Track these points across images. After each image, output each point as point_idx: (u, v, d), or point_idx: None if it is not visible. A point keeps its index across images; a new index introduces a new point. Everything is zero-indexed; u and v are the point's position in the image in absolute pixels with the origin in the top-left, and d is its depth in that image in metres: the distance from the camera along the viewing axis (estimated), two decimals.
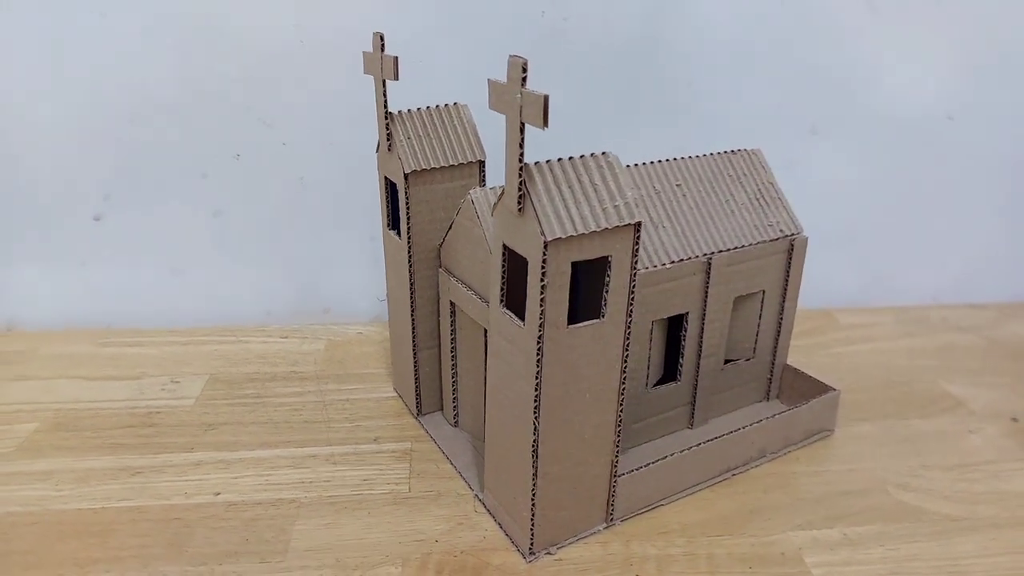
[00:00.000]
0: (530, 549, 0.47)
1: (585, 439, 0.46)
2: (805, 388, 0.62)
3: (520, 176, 0.39)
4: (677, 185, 0.56)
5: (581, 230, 0.39)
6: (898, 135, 0.78)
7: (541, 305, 0.40)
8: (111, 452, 0.57)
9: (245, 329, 0.76)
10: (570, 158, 0.41)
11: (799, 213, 0.76)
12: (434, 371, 0.60)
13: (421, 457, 0.57)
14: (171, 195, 0.72)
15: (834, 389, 0.60)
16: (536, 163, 0.40)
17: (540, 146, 0.75)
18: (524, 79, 0.37)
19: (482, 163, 0.55)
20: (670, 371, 0.58)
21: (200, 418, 0.61)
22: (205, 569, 0.46)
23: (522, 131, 0.38)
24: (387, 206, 0.57)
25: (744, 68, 0.74)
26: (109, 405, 0.63)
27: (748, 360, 0.62)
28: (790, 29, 0.72)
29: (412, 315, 0.57)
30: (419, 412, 0.61)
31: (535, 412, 0.42)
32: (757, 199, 0.58)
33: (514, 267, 0.43)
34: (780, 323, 0.61)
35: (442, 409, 0.61)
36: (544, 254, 0.39)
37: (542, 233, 0.38)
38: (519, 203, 0.39)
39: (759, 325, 0.60)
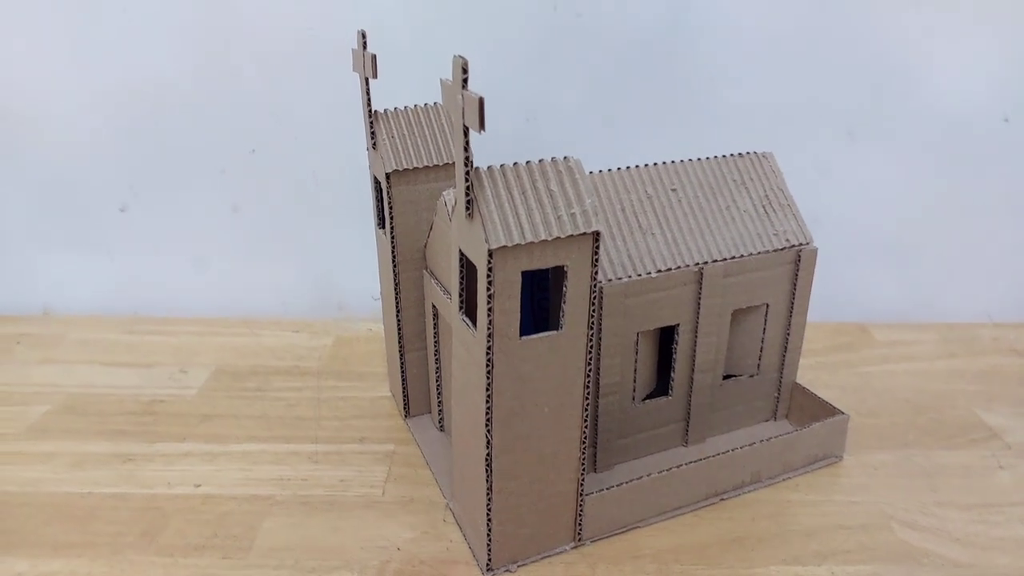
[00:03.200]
0: (488, 565, 0.45)
1: (545, 455, 0.44)
2: (814, 409, 0.58)
3: (467, 180, 0.37)
4: (672, 189, 0.53)
5: (530, 238, 0.37)
6: (946, 138, 0.72)
7: (489, 315, 0.38)
8: (110, 438, 0.59)
9: (260, 321, 0.78)
10: (527, 162, 0.39)
11: (834, 220, 0.71)
12: (423, 372, 0.60)
13: (401, 461, 0.56)
14: (192, 189, 0.74)
15: (842, 413, 0.55)
16: (489, 167, 0.38)
17: (550, 144, 0.73)
18: (465, 80, 0.35)
19: None
20: (662, 384, 0.56)
21: (198, 409, 0.63)
22: (170, 561, 0.47)
23: (466, 133, 0.36)
24: (376, 204, 0.57)
25: (773, 65, 0.69)
26: (117, 391, 0.65)
27: (752, 376, 0.58)
28: (824, 22, 0.68)
29: (398, 316, 0.57)
30: (407, 414, 0.61)
31: (487, 425, 0.41)
32: (763, 206, 0.55)
33: (473, 273, 0.41)
34: (787, 338, 0.57)
35: (431, 411, 0.61)
36: (490, 262, 0.37)
37: (486, 240, 0.37)
38: (467, 208, 0.38)
39: (763, 340, 0.57)
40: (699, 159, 0.55)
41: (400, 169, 0.51)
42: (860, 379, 0.68)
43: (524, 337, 0.40)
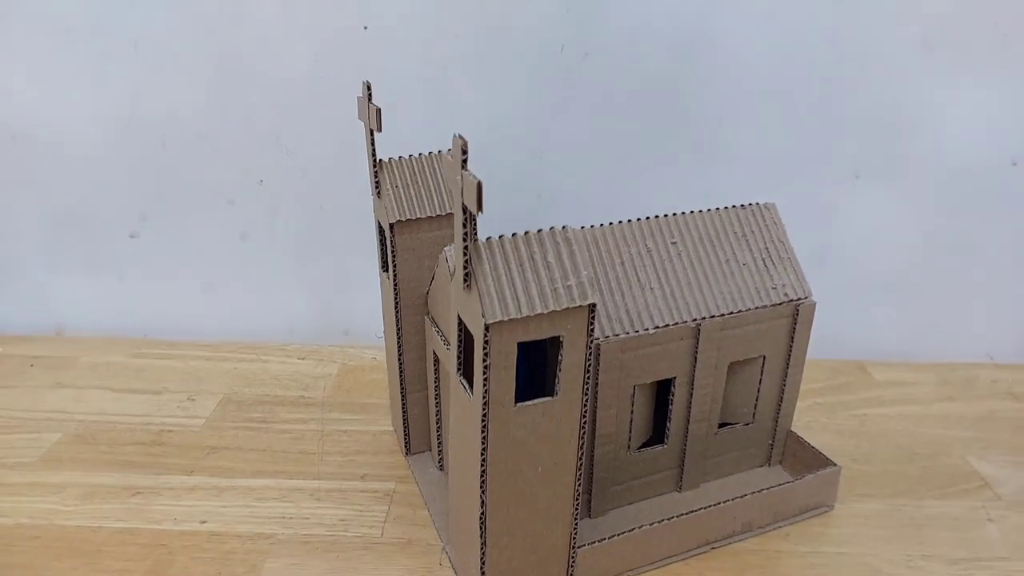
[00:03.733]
0: None
1: (538, 511, 0.45)
2: (808, 458, 0.59)
3: (465, 254, 0.38)
4: (673, 243, 0.54)
5: (527, 312, 0.38)
6: (952, 180, 0.72)
7: (485, 384, 0.39)
8: (119, 469, 0.60)
9: (267, 347, 0.79)
10: (526, 233, 0.40)
11: (837, 259, 0.72)
12: (424, 412, 0.61)
13: (401, 500, 0.58)
14: (201, 218, 0.76)
15: (834, 464, 0.56)
16: (488, 239, 0.39)
17: (555, 180, 0.74)
18: (465, 160, 0.36)
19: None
20: (657, 433, 0.57)
21: (206, 440, 0.64)
22: None
23: (465, 211, 0.37)
24: (380, 248, 0.58)
25: (781, 107, 0.70)
26: (127, 420, 0.67)
27: (747, 425, 0.59)
28: (833, 65, 0.68)
29: (400, 360, 0.58)
30: (408, 451, 0.62)
31: (482, 487, 0.42)
32: (763, 259, 0.56)
33: (471, 336, 0.42)
34: (783, 389, 0.58)
35: (430, 449, 0.62)
36: (486, 335, 0.38)
37: (483, 315, 0.38)
38: (465, 280, 0.39)
39: (759, 390, 0.58)
40: (701, 211, 0.55)
41: (403, 220, 0.53)
42: (856, 422, 0.69)
43: (519, 404, 0.41)
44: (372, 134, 0.52)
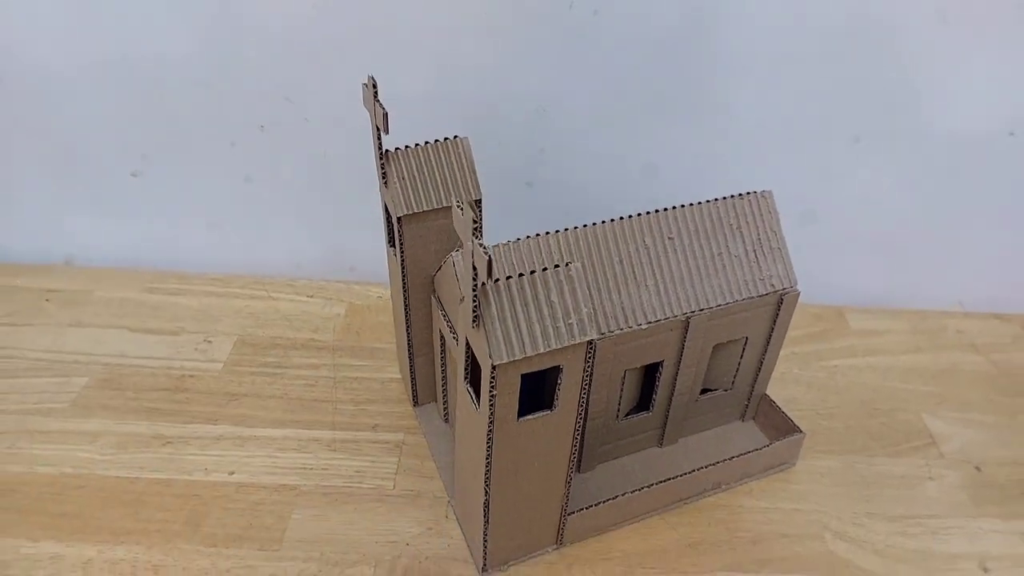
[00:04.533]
0: (483, 567, 0.54)
1: (534, 495, 0.51)
2: (777, 419, 0.65)
3: (475, 300, 0.41)
4: (670, 238, 0.56)
5: (531, 352, 0.42)
6: (949, 148, 0.73)
7: (491, 406, 0.44)
8: (147, 417, 0.66)
9: (276, 283, 0.82)
10: (532, 272, 0.42)
11: (829, 213, 0.75)
12: (430, 370, 0.65)
13: (410, 452, 0.64)
14: (203, 160, 0.76)
15: (800, 431, 0.62)
16: (496, 281, 0.42)
17: (559, 135, 0.74)
18: (476, 229, 0.38)
19: (478, 201, 0.56)
20: (643, 401, 0.62)
21: (226, 386, 0.69)
22: (214, 551, 0.55)
23: (475, 267, 0.39)
24: (387, 225, 0.59)
25: (788, 71, 0.68)
26: (149, 364, 0.71)
27: (726, 391, 0.64)
28: (845, 32, 0.66)
29: (408, 330, 0.62)
30: (416, 403, 0.67)
31: (486, 480, 0.48)
32: (754, 250, 0.58)
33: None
34: (762, 362, 0.63)
35: (436, 400, 0.68)
36: (493, 371, 0.42)
37: (490, 356, 0.41)
38: (474, 321, 0.42)
39: (739, 364, 0.62)
40: (699, 203, 0.57)
41: (410, 213, 0.54)
42: (826, 374, 0.74)
43: (521, 419, 0.45)
44: (379, 130, 0.52)
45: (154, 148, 0.75)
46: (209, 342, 0.74)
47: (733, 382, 0.64)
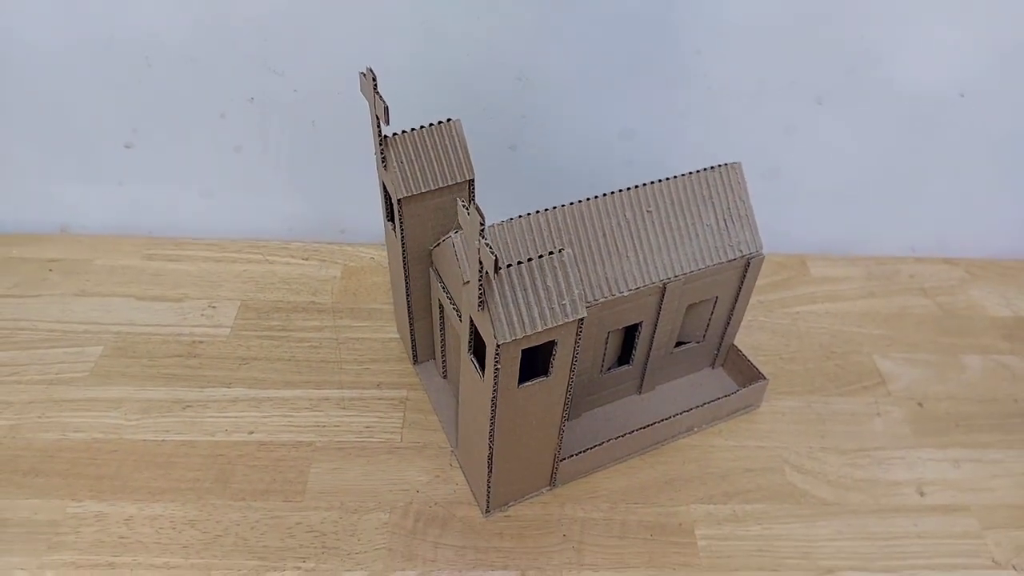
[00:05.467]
0: (487, 508, 0.61)
1: (531, 447, 0.58)
2: (744, 367, 0.72)
3: (480, 288, 0.46)
4: (648, 211, 0.61)
5: (530, 331, 0.47)
6: (904, 108, 0.78)
7: (495, 377, 0.49)
8: (165, 383, 0.70)
9: (270, 246, 0.86)
10: (529, 260, 0.47)
11: (792, 170, 0.81)
12: (428, 332, 0.71)
13: (414, 407, 0.70)
14: (193, 131, 0.78)
15: (764, 378, 0.70)
16: (497, 270, 0.46)
17: (538, 101, 0.77)
18: (483, 231, 0.42)
19: (471, 181, 0.60)
20: (624, 356, 0.68)
21: (235, 351, 0.74)
22: (244, 504, 0.61)
23: (481, 271, 0.44)
24: (385, 203, 0.63)
25: (755, 39, 0.72)
26: (158, 330, 0.75)
27: (698, 343, 0.71)
28: (806, 2, 0.69)
29: (408, 298, 0.66)
30: (415, 360, 0.73)
31: (490, 437, 0.54)
32: (724, 219, 0.63)
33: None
34: (730, 317, 0.69)
35: (435, 358, 0.73)
36: (497, 350, 0.47)
37: (495, 336, 0.47)
38: (479, 305, 0.47)
39: (710, 319, 0.69)
40: (674, 177, 0.61)
41: (410, 195, 0.58)
42: (789, 321, 0.81)
43: (521, 385, 0.51)
44: (378, 120, 0.55)
45: (145, 122, 0.77)
46: (214, 307, 0.78)
47: (704, 335, 0.70)
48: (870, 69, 0.74)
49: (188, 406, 0.69)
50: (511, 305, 0.47)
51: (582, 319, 0.49)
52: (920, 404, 0.73)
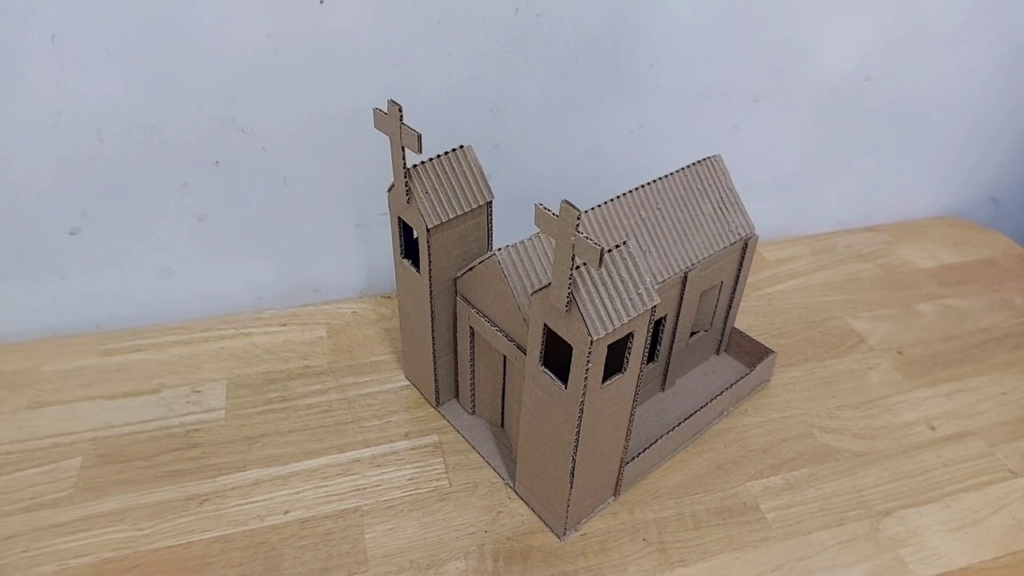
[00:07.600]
0: (564, 531, 0.59)
1: (605, 452, 0.57)
2: (748, 345, 0.76)
3: (568, 289, 0.46)
4: (658, 208, 0.63)
5: (617, 324, 0.47)
6: (825, 97, 0.87)
7: (585, 378, 0.49)
8: (170, 481, 0.63)
9: (241, 319, 0.80)
10: (602, 254, 0.48)
11: (740, 164, 0.87)
12: (450, 370, 0.68)
13: (450, 449, 0.67)
14: (152, 205, 0.71)
15: (772, 351, 0.74)
16: (577, 269, 0.47)
17: (511, 131, 0.78)
18: (579, 224, 0.43)
19: (489, 203, 0.60)
20: (649, 353, 0.70)
21: (239, 432, 0.67)
22: None
23: (573, 259, 0.44)
24: (400, 239, 0.61)
25: (700, 50, 0.78)
26: (143, 427, 0.67)
27: (707, 331, 0.74)
28: (741, 7, 0.77)
29: (432, 334, 0.64)
30: (438, 403, 0.70)
31: (574, 447, 0.53)
32: (720, 207, 0.67)
33: (553, 337, 0.51)
34: (732, 300, 0.73)
35: (456, 397, 0.71)
36: (590, 348, 0.47)
37: (589, 334, 0.46)
38: (567, 306, 0.47)
39: (716, 305, 0.72)
40: (669, 175, 0.65)
41: (438, 223, 0.57)
42: (765, 302, 0.87)
43: (604, 383, 0.51)
44: (403, 150, 0.54)
45: (96, 202, 0.70)
46: (199, 392, 0.71)
47: (711, 322, 0.73)
48: (795, 65, 0.83)
49: (205, 500, 0.62)
50: (597, 301, 0.47)
51: (655, 307, 0.50)
52: (900, 352, 0.80)
